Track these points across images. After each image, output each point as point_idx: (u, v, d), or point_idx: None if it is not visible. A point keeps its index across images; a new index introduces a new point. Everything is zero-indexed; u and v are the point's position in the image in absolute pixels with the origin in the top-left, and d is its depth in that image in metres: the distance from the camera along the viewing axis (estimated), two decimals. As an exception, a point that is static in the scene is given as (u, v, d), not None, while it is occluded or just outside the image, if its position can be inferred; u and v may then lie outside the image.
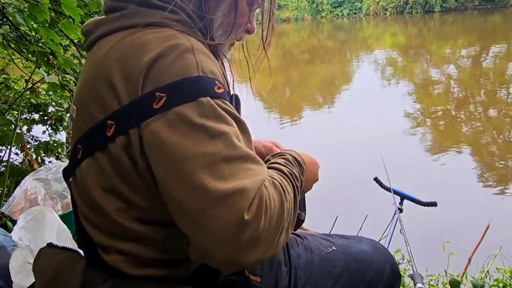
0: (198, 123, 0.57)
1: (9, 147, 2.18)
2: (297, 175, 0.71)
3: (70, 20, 1.70)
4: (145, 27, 0.65)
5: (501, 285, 1.91)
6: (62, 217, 1.38)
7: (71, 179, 0.72)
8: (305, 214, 1.20)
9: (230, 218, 0.54)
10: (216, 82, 0.62)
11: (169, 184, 0.57)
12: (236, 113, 0.64)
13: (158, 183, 0.59)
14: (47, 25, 1.80)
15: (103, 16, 0.73)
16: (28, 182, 1.76)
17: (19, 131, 2.47)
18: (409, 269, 2.14)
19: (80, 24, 1.79)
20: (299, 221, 1.19)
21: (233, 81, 0.84)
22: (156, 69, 0.59)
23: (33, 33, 2.10)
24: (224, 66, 0.86)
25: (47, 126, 3.08)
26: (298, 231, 0.99)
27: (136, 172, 0.61)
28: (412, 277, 1.31)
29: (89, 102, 0.65)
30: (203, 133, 0.56)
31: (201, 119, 0.57)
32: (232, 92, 0.72)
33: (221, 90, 0.62)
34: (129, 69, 0.60)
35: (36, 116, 3.05)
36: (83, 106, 0.66)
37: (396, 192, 1.92)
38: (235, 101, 0.70)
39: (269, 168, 0.69)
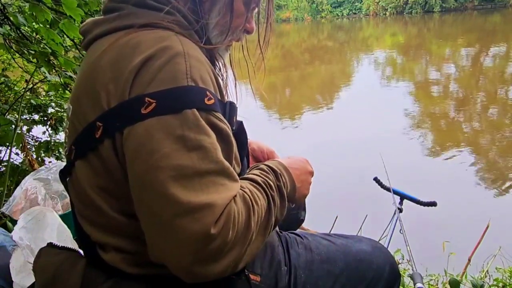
0: (178, 134, 0.57)
1: (9, 147, 2.18)
2: (272, 183, 0.71)
3: (71, 20, 1.71)
4: (140, 28, 0.65)
5: (500, 285, 1.91)
6: (63, 217, 1.38)
7: (68, 179, 0.72)
8: (305, 213, 1.20)
9: (196, 230, 0.54)
10: (207, 92, 0.62)
11: (139, 189, 0.58)
12: (222, 125, 0.64)
13: (130, 185, 0.60)
14: (48, 25, 1.81)
15: (101, 16, 0.73)
16: (28, 182, 1.75)
17: (19, 131, 2.47)
18: (408, 269, 2.14)
19: (81, 24, 1.79)
20: (299, 221, 1.20)
21: (235, 81, 0.84)
22: (146, 72, 0.59)
23: (34, 34, 2.10)
24: (220, 69, 0.86)
25: (47, 126, 3.08)
26: (298, 230, 0.99)
27: (124, 174, 0.61)
28: (411, 276, 1.31)
29: (84, 102, 0.65)
30: (181, 144, 0.57)
31: (182, 131, 0.57)
32: (226, 99, 0.71)
33: (212, 101, 0.62)
34: (120, 70, 0.61)
35: (36, 117, 3.05)
36: (79, 105, 0.67)
37: (396, 192, 1.92)
38: (230, 108, 0.70)
39: (244, 179, 0.70)
